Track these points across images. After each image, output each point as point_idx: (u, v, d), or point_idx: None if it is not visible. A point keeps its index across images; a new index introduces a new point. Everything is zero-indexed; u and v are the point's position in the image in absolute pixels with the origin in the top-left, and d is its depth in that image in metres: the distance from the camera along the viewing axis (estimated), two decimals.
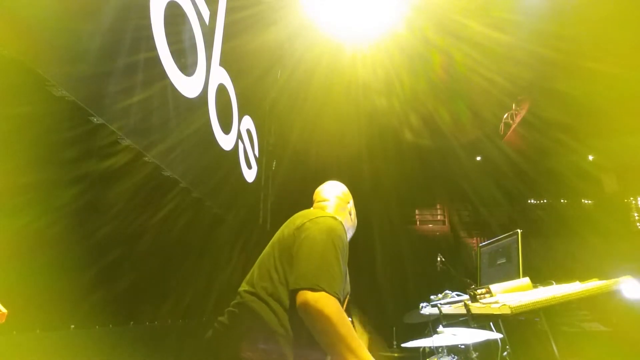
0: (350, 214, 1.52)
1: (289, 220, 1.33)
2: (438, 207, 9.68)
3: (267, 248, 1.29)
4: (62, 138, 1.50)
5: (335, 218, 1.26)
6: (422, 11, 4.93)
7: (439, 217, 10.27)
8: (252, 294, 1.15)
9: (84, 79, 1.43)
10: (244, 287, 1.23)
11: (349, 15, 4.93)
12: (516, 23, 4.94)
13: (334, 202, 1.49)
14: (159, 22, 1.97)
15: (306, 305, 0.98)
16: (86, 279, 1.61)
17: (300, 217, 1.28)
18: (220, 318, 1.24)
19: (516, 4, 4.87)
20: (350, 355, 0.93)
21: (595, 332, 4.41)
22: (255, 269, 1.26)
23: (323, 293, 0.99)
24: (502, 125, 8.16)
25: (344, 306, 1.24)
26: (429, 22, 5.19)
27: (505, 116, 8.98)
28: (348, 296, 1.29)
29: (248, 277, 1.27)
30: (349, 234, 1.49)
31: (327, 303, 0.98)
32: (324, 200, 1.50)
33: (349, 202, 1.54)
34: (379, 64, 9.33)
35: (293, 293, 1.03)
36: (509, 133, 8.40)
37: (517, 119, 8.01)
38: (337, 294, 1.01)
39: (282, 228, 1.30)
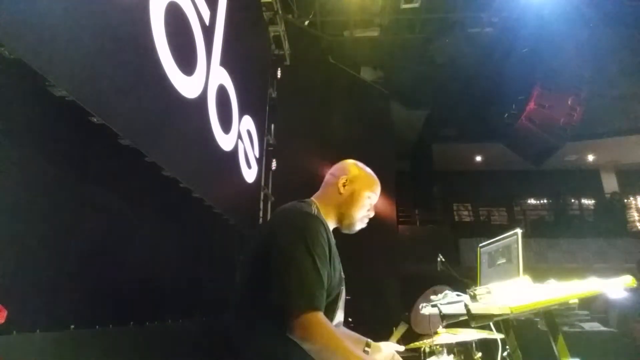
0: (339, 190, 1.32)
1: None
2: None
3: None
4: (62, 138, 1.50)
5: (305, 214, 1.17)
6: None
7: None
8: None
9: (84, 79, 1.43)
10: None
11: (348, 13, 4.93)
12: None
13: (323, 187, 1.37)
14: (159, 22, 1.97)
15: (290, 332, 0.99)
16: (86, 279, 1.61)
17: (270, 224, 1.23)
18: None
19: None
20: None
21: (595, 332, 4.41)
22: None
23: (304, 317, 0.98)
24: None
25: (341, 295, 1.22)
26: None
27: (505, 116, 8.98)
28: (343, 285, 1.25)
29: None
30: (343, 211, 1.31)
31: (308, 325, 0.98)
32: (320, 188, 1.39)
33: (341, 178, 1.33)
34: (378, 62, 9.31)
35: (277, 319, 1.01)
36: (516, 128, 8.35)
37: (523, 116, 7.97)
38: (316, 306, 1.01)
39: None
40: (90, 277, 1.63)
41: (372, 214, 1.37)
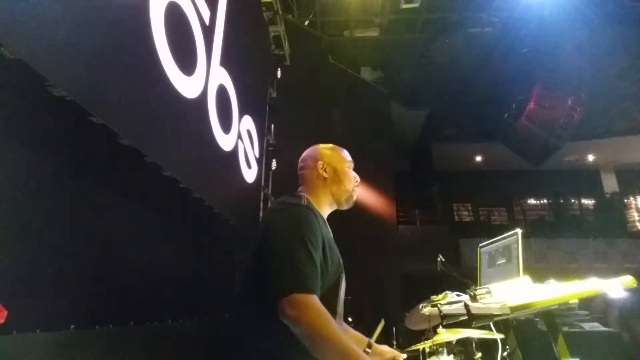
0: (322, 175, 1.35)
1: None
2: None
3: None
4: (62, 138, 1.50)
5: (294, 205, 1.19)
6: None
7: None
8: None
9: (84, 80, 1.43)
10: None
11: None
12: None
13: (302, 180, 1.39)
14: (159, 22, 1.97)
15: (282, 313, 0.98)
16: (86, 279, 1.61)
17: (263, 223, 1.24)
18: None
19: None
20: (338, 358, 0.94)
21: (595, 332, 4.41)
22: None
23: (294, 296, 0.97)
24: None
25: (341, 284, 1.22)
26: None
27: (505, 116, 8.98)
28: (342, 274, 1.25)
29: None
30: (335, 191, 1.34)
31: (298, 304, 0.97)
32: (300, 183, 1.41)
33: (317, 163, 1.37)
34: (378, 62, 9.32)
35: (272, 304, 1.01)
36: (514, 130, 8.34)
37: (523, 116, 7.96)
38: (309, 288, 1.00)
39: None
40: (90, 277, 1.63)
41: (358, 180, 1.42)
